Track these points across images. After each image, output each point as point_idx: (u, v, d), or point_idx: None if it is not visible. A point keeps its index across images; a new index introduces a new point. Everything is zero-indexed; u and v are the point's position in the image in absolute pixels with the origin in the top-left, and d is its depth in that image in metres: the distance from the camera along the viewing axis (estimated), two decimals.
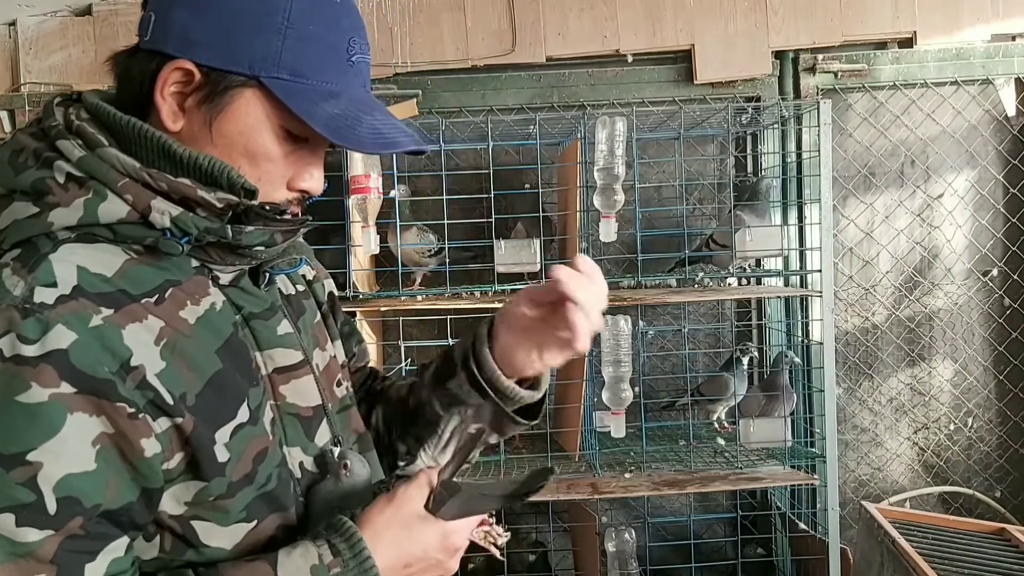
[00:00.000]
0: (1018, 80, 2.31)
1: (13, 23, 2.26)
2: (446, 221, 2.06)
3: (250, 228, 0.74)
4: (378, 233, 1.96)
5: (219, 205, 0.71)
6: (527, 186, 2.17)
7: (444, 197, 2.05)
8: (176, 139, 0.72)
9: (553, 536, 2.36)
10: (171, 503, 0.69)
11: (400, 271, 2.05)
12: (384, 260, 2.13)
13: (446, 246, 2.08)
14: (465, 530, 0.79)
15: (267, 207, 0.75)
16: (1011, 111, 2.33)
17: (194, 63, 0.71)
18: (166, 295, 0.71)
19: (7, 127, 2.26)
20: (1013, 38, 2.31)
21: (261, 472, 0.74)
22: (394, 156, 1.99)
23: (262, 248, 0.77)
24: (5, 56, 2.28)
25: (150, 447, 0.66)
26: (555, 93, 2.28)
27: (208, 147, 0.72)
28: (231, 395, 0.73)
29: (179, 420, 0.68)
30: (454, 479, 0.79)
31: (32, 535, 0.60)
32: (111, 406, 0.64)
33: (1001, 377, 2.40)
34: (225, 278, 0.78)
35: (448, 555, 0.78)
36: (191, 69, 0.71)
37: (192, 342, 0.71)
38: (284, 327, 0.82)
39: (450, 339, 1.98)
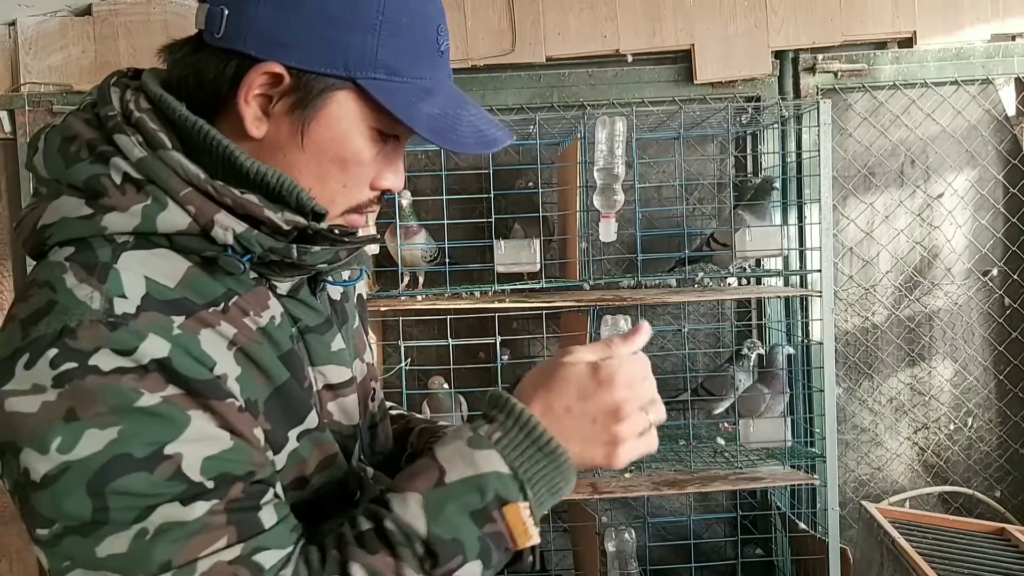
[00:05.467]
0: (1018, 80, 2.31)
1: (13, 23, 2.26)
2: (446, 221, 2.07)
3: (316, 248, 0.69)
4: (377, 233, 1.96)
5: (286, 227, 0.67)
6: (530, 184, 2.16)
7: (444, 197, 2.05)
8: (255, 147, 0.68)
9: (553, 536, 2.36)
10: None
11: (400, 271, 2.06)
12: (384, 260, 2.13)
13: (446, 246, 2.08)
14: (625, 359, 0.68)
15: (336, 230, 0.70)
16: (1011, 111, 2.33)
17: (284, 65, 0.65)
18: (230, 303, 0.67)
19: (7, 127, 2.26)
20: (1013, 38, 2.30)
21: (316, 479, 0.73)
22: None
23: (325, 265, 0.73)
24: (5, 56, 2.28)
25: (261, 436, 0.65)
26: (555, 93, 2.28)
27: (295, 153, 0.67)
28: (296, 405, 0.70)
29: (258, 421, 0.67)
30: None
31: (199, 509, 0.59)
32: (221, 404, 0.62)
33: (1001, 377, 2.40)
34: (283, 288, 0.74)
35: (605, 388, 0.66)
36: (280, 72, 0.65)
37: (261, 349, 0.68)
38: (338, 343, 0.77)
39: (450, 339, 1.98)
